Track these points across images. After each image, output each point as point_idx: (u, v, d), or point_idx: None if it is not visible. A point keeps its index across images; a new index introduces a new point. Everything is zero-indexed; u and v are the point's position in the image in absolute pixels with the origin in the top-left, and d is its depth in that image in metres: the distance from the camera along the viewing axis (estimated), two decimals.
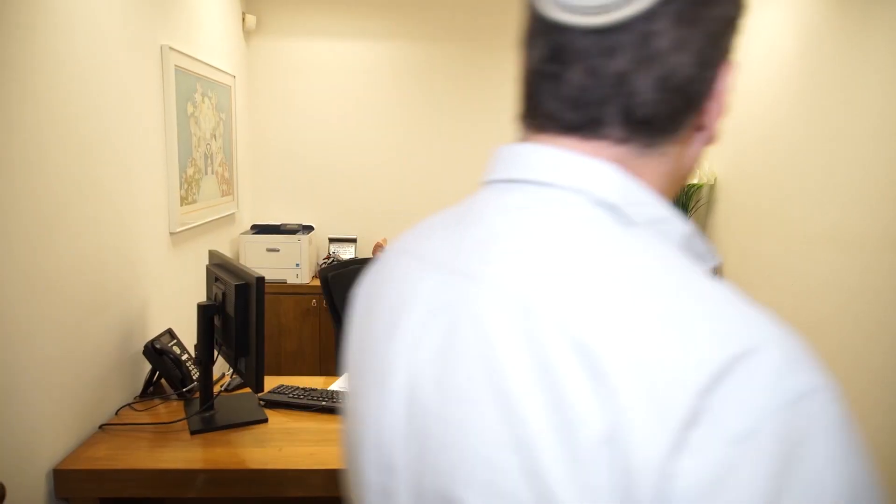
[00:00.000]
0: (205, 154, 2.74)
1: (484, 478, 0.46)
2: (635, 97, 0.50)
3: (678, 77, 0.51)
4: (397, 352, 0.54)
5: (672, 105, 0.51)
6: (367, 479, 0.56)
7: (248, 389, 2.10)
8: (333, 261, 3.48)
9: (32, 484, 1.51)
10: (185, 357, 2.10)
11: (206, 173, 2.77)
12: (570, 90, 0.52)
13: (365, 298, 0.63)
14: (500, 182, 0.57)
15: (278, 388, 2.05)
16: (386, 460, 0.54)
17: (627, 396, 0.41)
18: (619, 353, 0.42)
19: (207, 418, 1.84)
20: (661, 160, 0.54)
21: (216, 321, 1.90)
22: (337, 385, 2.17)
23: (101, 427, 1.79)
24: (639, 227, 0.51)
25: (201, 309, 1.87)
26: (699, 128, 0.55)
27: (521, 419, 0.44)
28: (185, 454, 1.66)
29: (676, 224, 0.53)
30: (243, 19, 3.47)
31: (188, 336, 2.32)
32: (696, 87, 0.52)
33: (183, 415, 1.89)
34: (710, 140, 0.56)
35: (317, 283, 3.30)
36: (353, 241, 3.72)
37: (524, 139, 0.57)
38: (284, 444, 1.72)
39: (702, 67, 0.51)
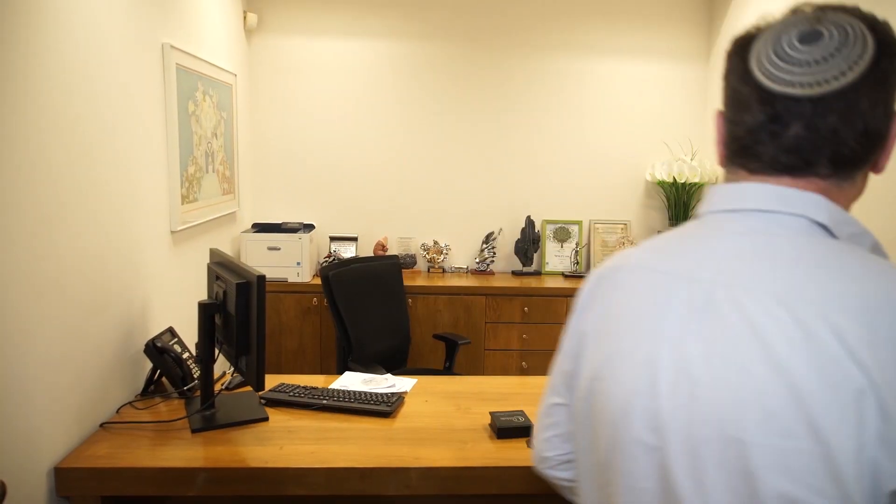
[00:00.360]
0: (206, 152, 2.74)
1: (761, 419, 0.63)
2: (842, 146, 0.70)
3: (873, 127, 0.70)
4: (662, 341, 0.71)
5: (868, 148, 0.71)
6: (635, 438, 0.73)
7: (248, 388, 2.10)
8: (334, 259, 3.49)
9: (33, 482, 1.51)
10: (185, 355, 2.11)
11: (207, 172, 2.77)
12: (788, 142, 0.71)
13: (603, 305, 0.82)
14: (727, 211, 0.76)
15: (279, 386, 2.05)
16: (655, 423, 0.71)
17: (874, 364, 0.59)
18: (863, 331, 0.61)
19: (208, 417, 1.85)
20: (850, 188, 0.74)
21: (217, 319, 1.90)
22: (338, 384, 2.17)
23: (102, 425, 1.79)
24: (842, 240, 0.71)
25: (202, 307, 1.87)
26: (876, 160, 0.74)
27: (790, 373, 0.62)
28: (185, 452, 1.66)
29: (868, 237, 0.74)
30: (244, 18, 3.47)
31: (189, 334, 2.32)
32: (884, 133, 0.72)
33: (184, 413, 1.89)
34: (881, 168, 0.75)
35: (318, 281, 3.31)
36: (354, 239, 3.72)
37: (739, 180, 0.77)
38: (285, 443, 1.72)
39: (888, 117, 0.71)
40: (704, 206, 0.80)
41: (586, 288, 0.87)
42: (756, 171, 0.74)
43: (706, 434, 0.67)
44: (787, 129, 0.70)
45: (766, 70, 0.71)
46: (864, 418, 0.59)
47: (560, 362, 0.90)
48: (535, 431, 0.98)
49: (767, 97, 0.70)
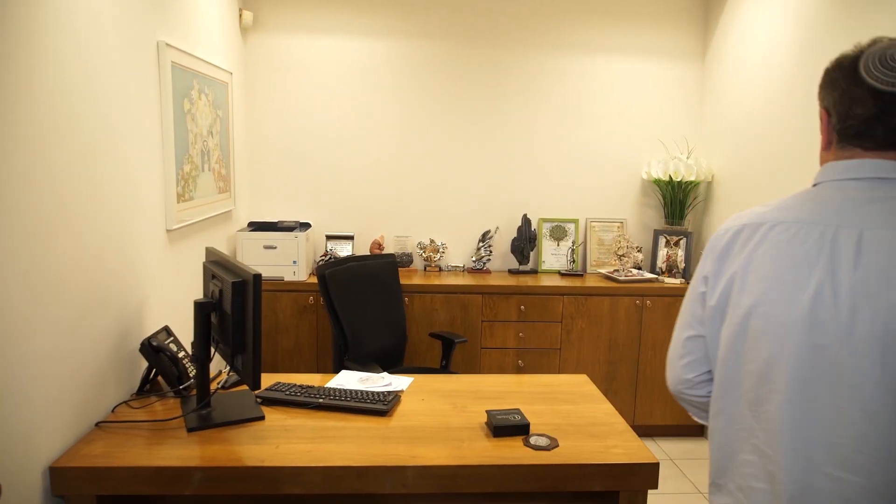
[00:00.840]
0: (201, 151, 2.73)
1: None
2: None
3: None
4: (813, 272, 0.98)
5: None
6: (805, 342, 0.98)
7: (244, 387, 2.10)
8: (331, 258, 3.48)
9: (29, 481, 1.51)
10: (181, 354, 2.10)
11: (203, 170, 2.76)
12: (894, 125, 1.00)
13: (750, 251, 1.06)
14: (848, 180, 1.04)
15: (275, 385, 2.05)
16: (818, 337, 0.97)
17: None
18: None
19: (204, 416, 1.84)
20: None
21: (213, 318, 1.90)
22: (334, 382, 2.17)
23: (97, 424, 1.79)
24: None
25: (198, 306, 1.86)
26: None
27: None
28: (181, 451, 1.66)
29: None
30: (240, 16, 3.46)
31: (185, 333, 2.32)
32: None
33: (180, 412, 1.89)
34: None
35: (314, 280, 3.30)
36: (351, 238, 3.72)
37: (854, 157, 1.04)
38: (281, 442, 1.72)
39: None
40: (822, 177, 1.06)
41: (723, 240, 1.11)
42: (870, 149, 1.03)
43: (865, 330, 0.93)
44: (893, 117, 0.99)
45: (875, 76, 0.99)
46: None
47: (694, 303, 1.17)
48: (671, 361, 1.23)
49: (877, 94, 0.99)
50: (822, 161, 1.10)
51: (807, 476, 0.97)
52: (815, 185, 1.08)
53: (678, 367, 1.21)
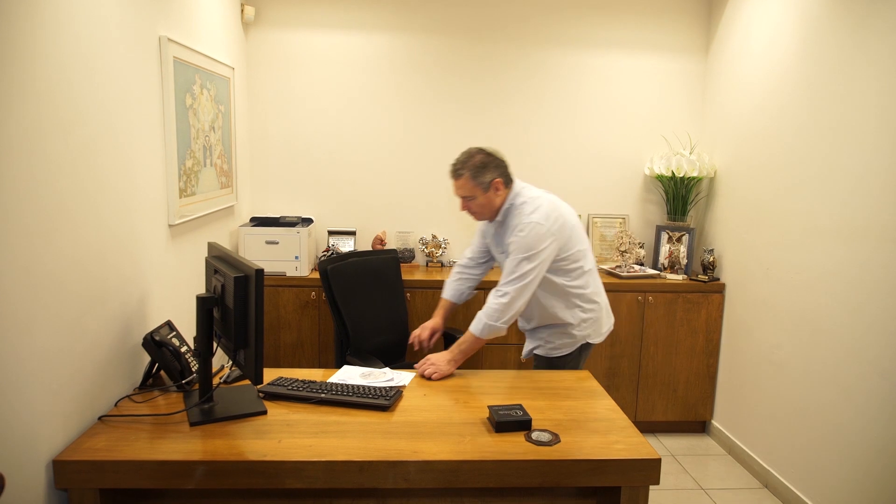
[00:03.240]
0: (203, 146, 2.73)
1: None
2: None
3: None
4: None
5: None
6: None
7: (247, 381, 2.10)
8: (333, 253, 3.48)
9: (32, 475, 1.51)
10: (184, 349, 2.11)
11: (205, 165, 2.76)
12: None
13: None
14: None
15: (277, 380, 2.05)
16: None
17: None
18: None
19: (206, 410, 1.85)
20: None
21: (215, 313, 1.90)
22: (336, 378, 2.17)
23: (100, 418, 1.79)
24: None
25: (200, 301, 1.87)
26: None
27: None
28: (184, 446, 1.67)
29: None
30: (242, 10, 3.45)
31: (187, 328, 2.32)
32: None
33: (182, 406, 1.89)
34: None
35: (316, 275, 3.31)
36: (353, 233, 3.72)
37: None
38: (283, 436, 1.73)
39: None
40: None
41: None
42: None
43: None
44: None
45: None
46: None
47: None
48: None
49: None
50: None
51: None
52: None
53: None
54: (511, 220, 2.35)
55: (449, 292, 2.70)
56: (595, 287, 2.45)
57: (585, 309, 2.41)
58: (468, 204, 2.38)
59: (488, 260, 2.66)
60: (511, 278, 2.24)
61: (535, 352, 2.51)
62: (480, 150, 2.36)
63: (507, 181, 2.38)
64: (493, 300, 2.28)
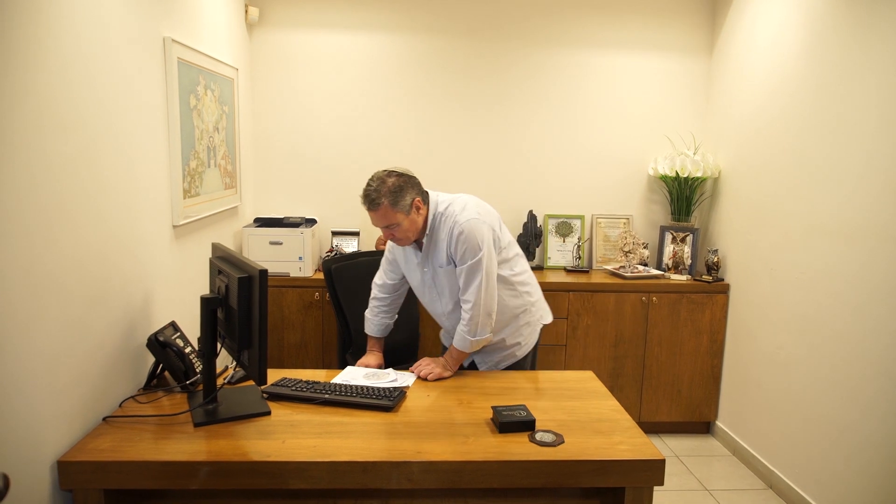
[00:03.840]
0: (207, 147, 2.73)
1: None
2: None
3: None
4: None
5: None
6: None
7: (251, 382, 2.10)
8: (336, 254, 3.48)
9: (37, 475, 1.52)
10: (188, 350, 2.11)
11: (209, 166, 2.77)
12: None
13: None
14: None
15: (281, 380, 2.05)
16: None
17: None
18: None
19: (211, 411, 1.85)
20: None
21: (219, 314, 1.90)
22: (340, 378, 2.17)
23: (104, 419, 1.80)
24: None
25: (204, 301, 1.87)
26: None
27: None
28: (188, 446, 1.67)
29: None
30: (246, 11, 3.46)
31: (191, 329, 2.32)
32: None
33: (186, 407, 1.90)
34: None
35: (320, 276, 3.31)
36: (357, 234, 3.72)
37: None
38: (287, 437, 1.73)
39: None
40: None
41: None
42: None
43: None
44: None
45: None
46: None
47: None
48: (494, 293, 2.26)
49: None
50: None
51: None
52: None
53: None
54: (442, 229, 2.25)
55: (374, 329, 2.53)
56: (524, 267, 2.45)
57: (531, 293, 2.44)
58: (391, 233, 2.20)
59: (404, 285, 2.53)
60: (472, 287, 2.19)
61: (506, 363, 2.43)
62: (391, 173, 2.18)
63: (425, 197, 2.27)
64: (464, 315, 2.22)
